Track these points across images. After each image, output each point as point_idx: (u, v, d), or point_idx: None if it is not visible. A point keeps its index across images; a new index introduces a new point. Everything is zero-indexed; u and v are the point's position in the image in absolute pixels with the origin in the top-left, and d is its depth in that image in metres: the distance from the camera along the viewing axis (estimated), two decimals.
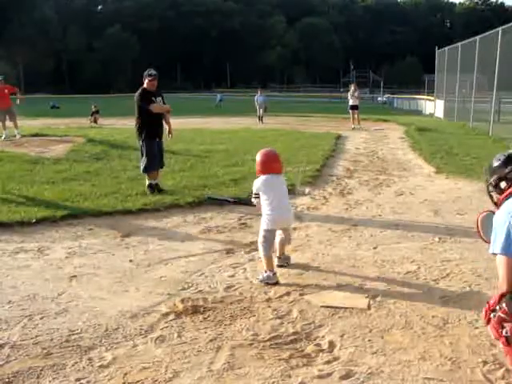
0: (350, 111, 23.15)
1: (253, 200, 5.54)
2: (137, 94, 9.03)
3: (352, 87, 23.80)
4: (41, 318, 4.30)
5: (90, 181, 9.87)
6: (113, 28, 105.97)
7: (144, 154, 8.97)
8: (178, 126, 23.45)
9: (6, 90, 17.74)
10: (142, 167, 9.12)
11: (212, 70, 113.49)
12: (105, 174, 10.52)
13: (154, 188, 8.91)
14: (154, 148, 9.01)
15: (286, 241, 5.63)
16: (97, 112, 26.99)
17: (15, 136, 17.13)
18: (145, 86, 9.00)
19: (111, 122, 26.96)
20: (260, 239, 5.29)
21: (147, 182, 9.00)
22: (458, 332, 4.01)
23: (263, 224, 5.30)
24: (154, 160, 9.00)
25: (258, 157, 5.41)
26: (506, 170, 3.40)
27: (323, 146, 15.19)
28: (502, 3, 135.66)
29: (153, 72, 8.98)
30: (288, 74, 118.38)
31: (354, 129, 21.96)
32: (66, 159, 12.47)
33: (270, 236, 5.27)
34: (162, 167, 9.35)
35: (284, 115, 31.62)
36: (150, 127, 8.91)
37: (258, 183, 5.36)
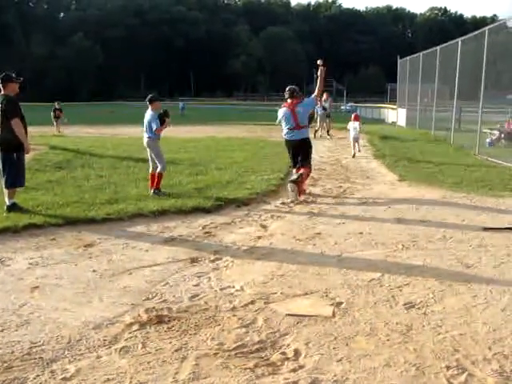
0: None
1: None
2: (10, 101, 7.89)
3: (324, 96, 24.00)
4: (1, 331, 4.20)
5: (53, 190, 9.73)
6: (76, 36, 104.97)
7: (15, 167, 8.03)
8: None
9: None
10: (9, 182, 8.02)
11: (176, 78, 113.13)
12: (67, 183, 10.38)
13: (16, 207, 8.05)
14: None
15: (358, 138, 15.34)
16: (60, 110, 26.73)
17: None
18: (11, 91, 8.01)
19: (74, 130, 26.64)
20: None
21: (11, 201, 8.01)
22: (421, 338, 4.06)
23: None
24: (24, 174, 8.29)
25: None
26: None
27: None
28: (461, 15, 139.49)
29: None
30: (252, 83, 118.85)
31: (321, 136, 22.13)
32: (27, 168, 12.19)
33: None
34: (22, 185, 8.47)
35: (250, 123, 31.72)
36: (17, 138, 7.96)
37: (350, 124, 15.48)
